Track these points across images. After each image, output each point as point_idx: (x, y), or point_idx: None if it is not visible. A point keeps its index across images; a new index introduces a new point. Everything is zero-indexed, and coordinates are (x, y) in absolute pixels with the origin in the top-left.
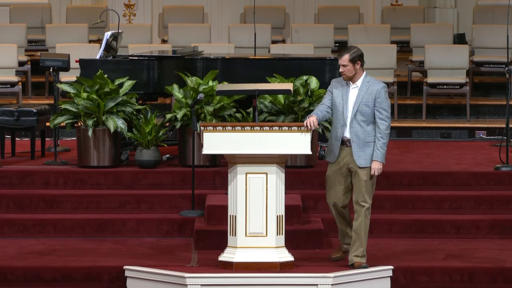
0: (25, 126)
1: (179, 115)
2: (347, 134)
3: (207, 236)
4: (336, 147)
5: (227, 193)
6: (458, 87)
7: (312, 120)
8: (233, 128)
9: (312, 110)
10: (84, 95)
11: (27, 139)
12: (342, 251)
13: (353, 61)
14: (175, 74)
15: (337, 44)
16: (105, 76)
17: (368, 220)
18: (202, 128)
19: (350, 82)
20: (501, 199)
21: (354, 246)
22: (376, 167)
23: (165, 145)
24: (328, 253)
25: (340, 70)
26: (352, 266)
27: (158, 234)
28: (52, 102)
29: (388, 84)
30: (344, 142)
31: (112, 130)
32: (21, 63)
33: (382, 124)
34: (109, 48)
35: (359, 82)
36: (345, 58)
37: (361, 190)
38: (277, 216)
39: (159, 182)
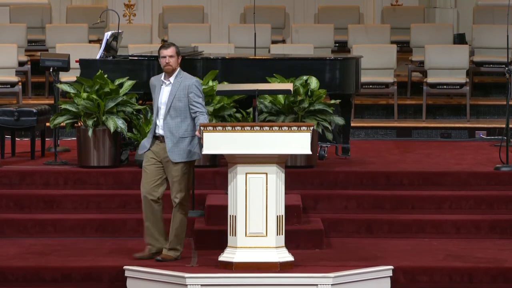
0: (25, 126)
1: None
2: (160, 131)
3: (207, 236)
4: (149, 141)
5: (227, 193)
6: (458, 87)
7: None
8: (233, 128)
9: (312, 110)
10: (84, 95)
11: (27, 139)
12: (148, 252)
13: (178, 53)
14: None
15: (337, 44)
16: (105, 76)
17: (183, 215)
18: (202, 128)
19: (164, 79)
20: (501, 199)
21: (169, 240)
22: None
23: None
24: (328, 253)
25: (166, 61)
26: (160, 260)
27: None
28: (52, 102)
29: (388, 84)
30: (158, 138)
31: (112, 130)
32: (21, 63)
33: (202, 115)
34: (109, 48)
35: (172, 78)
36: (172, 49)
37: (173, 186)
38: (277, 216)
39: None
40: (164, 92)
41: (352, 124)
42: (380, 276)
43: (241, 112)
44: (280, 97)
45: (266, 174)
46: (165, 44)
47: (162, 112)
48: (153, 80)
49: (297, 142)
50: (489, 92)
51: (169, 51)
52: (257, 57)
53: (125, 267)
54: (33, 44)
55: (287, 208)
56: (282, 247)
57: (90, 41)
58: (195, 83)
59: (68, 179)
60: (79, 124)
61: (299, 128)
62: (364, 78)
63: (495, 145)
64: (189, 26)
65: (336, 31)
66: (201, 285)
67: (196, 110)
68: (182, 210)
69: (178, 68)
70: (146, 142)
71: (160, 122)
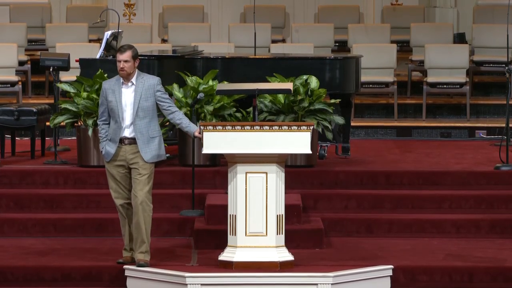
0: (25, 125)
1: None
2: (127, 134)
3: (207, 236)
4: (113, 147)
5: (227, 193)
6: (458, 86)
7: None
8: (233, 128)
9: (312, 110)
10: (84, 94)
11: (27, 138)
12: (130, 258)
13: (134, 58)
14: (175, 73)
15: (337, 44)
16: (105, 75)
17: (149, 214)
18: (202, 127)
19: (123, 82)
20: (501, 198)
21: (137, 243)
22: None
23: (165, 144)
24: (328, 253)
25: (121, 66)
26: (138, 265)
27: (158, 234)
28: (52, 101)
29: (388, 84)
30: (123, 141)
31: None
32: (21, 63)
33: (175, 108)
34: (109, 47)
35: (134, 79)
36: (127, 54)
37: (139, 183)
38: (277, 215)
39: (159, 181)
40: (126, 94)
41: (352, 124)
42: (380, 275)
43: (241, 111)
44: (280, 97)
45: (266, 173)
46: (121, 48)
47: (128, 114)
48: (109, 84)
49: (297, 141)
50: (489, 92)
51: (125, 56)
52: (257, 57)
53: (125, 266)
54: (33, 43)
55: (287, 207)
56: (282, 246)
57: (90, 41)
58: (159, 81)
59: (68, 178)
60: (79, 123)
61: (299, 128)
62: (364, 78)
63: (495, 144)
64: (189, 25)
65: (336, 31)
66: (201, 284)
67: (169, 105)
68: (147, 206)
69: (136, 70)
70: (110, 149)
71: (126, 124)
